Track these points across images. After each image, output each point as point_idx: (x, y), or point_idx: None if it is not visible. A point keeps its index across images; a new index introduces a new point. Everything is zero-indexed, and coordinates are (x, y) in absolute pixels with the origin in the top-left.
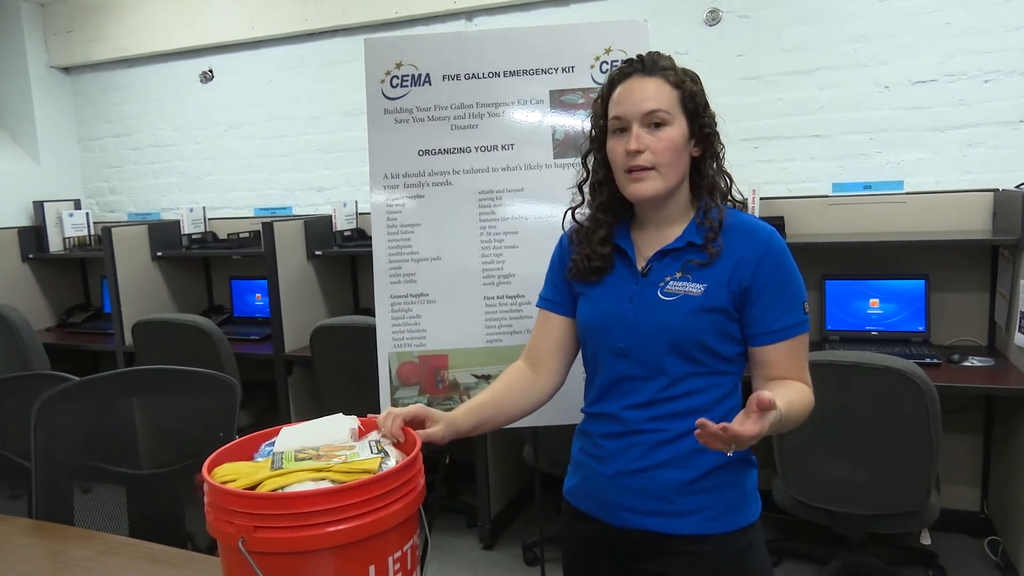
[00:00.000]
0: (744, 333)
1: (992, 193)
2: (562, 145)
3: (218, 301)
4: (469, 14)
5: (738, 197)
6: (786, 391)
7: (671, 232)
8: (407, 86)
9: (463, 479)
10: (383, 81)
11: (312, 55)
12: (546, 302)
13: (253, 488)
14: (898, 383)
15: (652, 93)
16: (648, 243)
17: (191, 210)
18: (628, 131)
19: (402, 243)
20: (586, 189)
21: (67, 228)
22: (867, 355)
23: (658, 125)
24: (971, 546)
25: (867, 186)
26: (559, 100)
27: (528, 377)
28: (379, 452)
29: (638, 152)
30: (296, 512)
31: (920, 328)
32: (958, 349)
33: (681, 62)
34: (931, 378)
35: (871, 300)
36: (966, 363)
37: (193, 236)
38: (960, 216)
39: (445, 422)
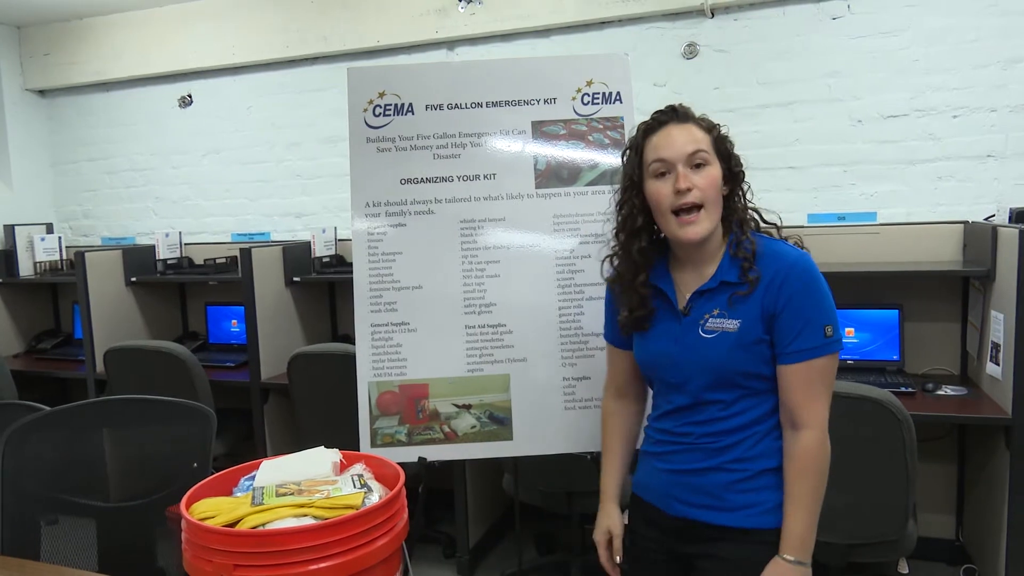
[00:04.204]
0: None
1: (962, 225)
2: (543, 175)
3: (193, 327)
4: (451, 44)
5: (772, 220)
6: (792, 509)
7: (708, 270)
8: (390, 115)
9: (440, 507)
10: (366, 110)
11: (292, 82)
12: (611, 339)
13: (233, 525)
14: (874, 412)
15: (692, 137)
16: (687, 282)
17: (167, 235)
18: (671, 174)
19: (383, 271)
20: (622, 236)
21: (38, 252)
22: (843, 384)
23: (699, 165)
24: (947, 574)
25: (841, 217)
26: (541, 131)
27: (627, 410)
28: (362, 487)
29: (688, 190)
30: (278, 550)
31: (895, 357)
32: (932, 378)
33: (660, 93)
34: (906, 407)
35: (846, 329)
36: (940, 392)
37: (168, 261)
38: (932, 247)
39: (619, 515)
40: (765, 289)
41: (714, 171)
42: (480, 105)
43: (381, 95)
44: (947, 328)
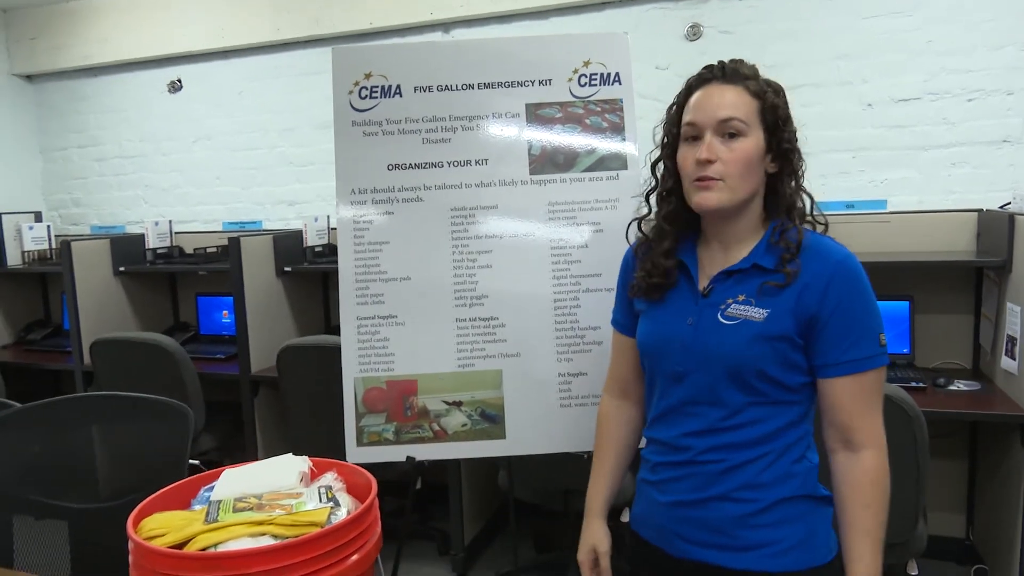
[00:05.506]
0: (811, 364)
1: (976, 213)
2: (538, 161)
3: (184, 318)
4: (446, 25)
5: (820, 219)
6: (859, 540)
7: (737, 252)
8: (376, 97)
9: (434, 501)
10: (351, 92)
11: (284, 65)
12: (619, 324)
13: (183, 545)
14: (885, 409)
15: (729, 101)
16: (712, 262)
17: (156, 224)
18: (700, 139)
19: (369, 262)
20: (653, 198)
21: (27, 241)
22: None
23: (732, 135)
24: (957, 574)
25: (850, 205)
26: (536, 114)
27: (627, 414)
28: (328, 500)
29: (709, 162)
30: (230, 574)
31: (905, 350)
32: (943, 372)
33: (662, 76)
34: (917, 403)
35: None
36: (952, 387)
37: (158, 251)
38: (944, 236)
39: (605, 532)
40: (804, 287)
41: (748, 144)
42: (472, 87)
43: (367, 76)
44: (959, 320)
